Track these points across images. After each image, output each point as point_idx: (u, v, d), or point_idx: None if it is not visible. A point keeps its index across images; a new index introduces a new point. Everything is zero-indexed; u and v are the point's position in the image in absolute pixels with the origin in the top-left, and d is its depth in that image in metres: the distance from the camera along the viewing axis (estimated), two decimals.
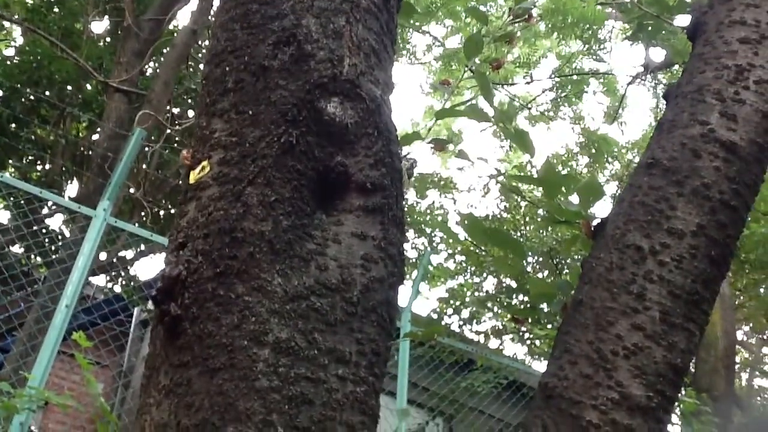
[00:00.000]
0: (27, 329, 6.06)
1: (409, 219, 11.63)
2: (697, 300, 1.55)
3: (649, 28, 6.35)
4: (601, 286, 1.60)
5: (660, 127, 1.70)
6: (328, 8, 1.56)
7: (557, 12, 9.06)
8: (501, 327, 11.05)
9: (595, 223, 1.73)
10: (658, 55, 12.39)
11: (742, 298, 12.83)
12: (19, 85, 9.57)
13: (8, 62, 10.15)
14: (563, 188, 1.75)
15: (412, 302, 6.60)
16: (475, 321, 11.35)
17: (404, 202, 1.61)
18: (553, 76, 10.48)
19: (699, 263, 1.55)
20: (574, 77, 10.12)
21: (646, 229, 1.59)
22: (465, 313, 11.34)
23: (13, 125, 10.29)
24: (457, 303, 11.45)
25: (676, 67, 12.69)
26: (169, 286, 1.39)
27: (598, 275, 1.62)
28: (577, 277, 1.72)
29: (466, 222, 1.99)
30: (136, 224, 8.25)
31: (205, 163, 1.49)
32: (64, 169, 10.77)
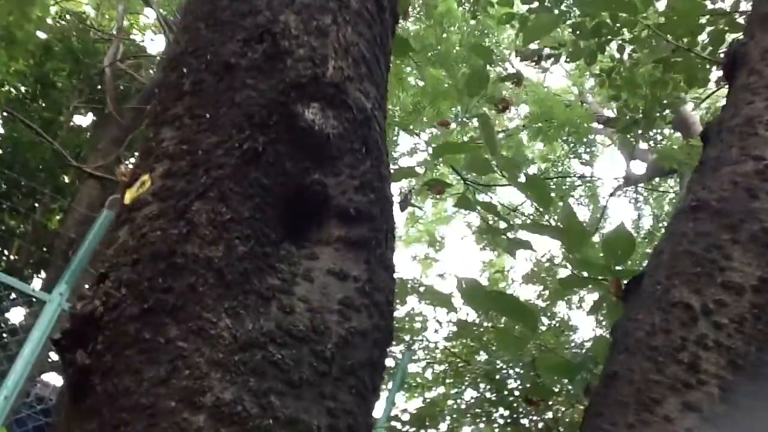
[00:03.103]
0: None
1: None
2: (765, 373, 1.22)
3: (639, 131, 6.27)
4: (641, 354, 1.27)
5: (702, 166, 1.43)
6: (311, 5, 1.30)
7: (543, 116, 9.08)
8: None
9: (626, 281, 1.42)
10: (639, 167, 12.49)
11: None
12: None
13: None
14: (586, 242, 1.45)
15: (389, 410, 6.10)
16: None
17: (395, 241, 1.29)
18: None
19: (765, 326, 1.23)
20: (561, 180, 10.04)
21: (695, 283, 1.28)
22: (443, 426, 10.69)
23: None
24: (436, 414, 10.81)
25: (657, 179, 12.78)
26: (79, 328, 1.04)
27: (636, 341, 1.29)
28: (605, 348, 1.38)
29: (464, 286, 1.66)
30: None
31: (145, 177, 1.17)
32: (31, 260, 10.33)
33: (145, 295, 1.03)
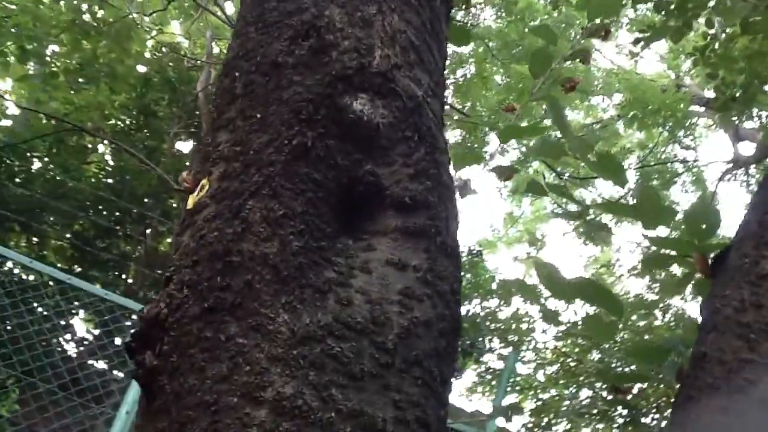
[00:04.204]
0: None
1: (492, 326, 11.03)
2: None
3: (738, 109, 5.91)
4: (731, 332, 1.17)
5: None
6: None
7: (637, 102, 8.68)
8: None
9: (713, 255, 1.32)
10: (747, 149, 11.75)
11: None
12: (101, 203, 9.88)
13: (93, 179, 10.56)
14: (666, 220, 1.36)
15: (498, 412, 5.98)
16: None
17: (458, 228, 1.26)
18: (635, 167, 9.98)
19: None
20: (662, 167, 9.56)
21: None
22: (560, 428, 10.42)
23: (98, 240, 10.56)
24: (551, 416, 10.56)
25: None
26: (147, 331, 1.07)
27: (725, 319, 1.20)
28: (694, 329, 1.29)
29: (543, 274, 1.60)
30: None
31: (204, 181, 1.20)
32: (146, 282, 10.89)
33: (205, 294, 1.04)
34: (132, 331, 1.08)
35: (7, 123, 11.32)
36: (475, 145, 10.10)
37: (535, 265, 1.55)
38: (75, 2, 9.93)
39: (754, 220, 1.26)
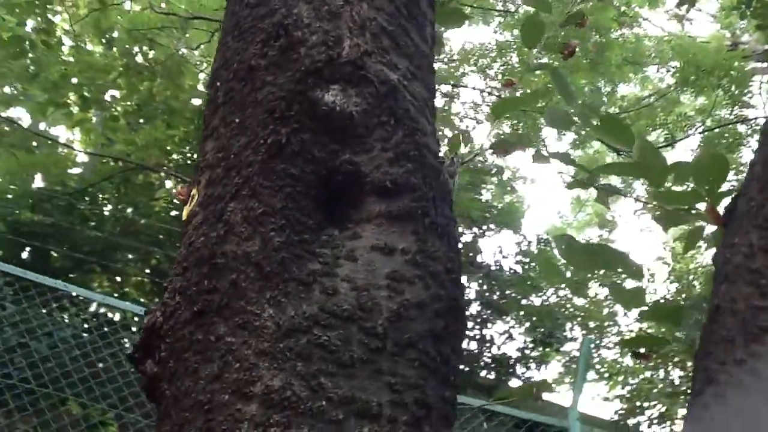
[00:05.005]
0: None
1: (569, 313, 10.76)
2: None
3: None
4: (742, 280, 1.12)
5: None
6: None
7: (690, 66, 8.32)
8: None
9: (724, 205, 1.26)
10: None
11: None
12: None
13: (162, 213, 10.90)
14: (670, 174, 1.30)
15: (577, 399, 5.84)
16: (669, 421, 10.04)
17: (450, 208, 1.24)
18: (698, 132, 9.54)
19: None
20: (723, 129, 9.12)
21: None
22: (654, 413, 10.09)
23: None
24: (642, 400, 10.24)
25: None
26: (147, 340, 1.10)
27: (735, 267, 1.14)
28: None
29: (562, 245, 1.56)
30: None
31: (194, 191, 1.23)
32: None
33: (194, 298, 1.07)
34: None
35: (78, 170, 11.85)
36: (531, 133, 9.94)
37: (553, 238, 1.51)
38: (126, 46, 10.33)
39: (760, 162, 1.20)
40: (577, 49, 1.84)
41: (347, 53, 1.21)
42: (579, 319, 10.53)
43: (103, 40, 10.91)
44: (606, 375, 11.88)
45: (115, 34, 10.44)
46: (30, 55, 8.58)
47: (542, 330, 9.03)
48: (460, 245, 1.27)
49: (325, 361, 1.00)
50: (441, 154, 1.30)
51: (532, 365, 9.35)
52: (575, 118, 1.65)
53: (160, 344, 1.08)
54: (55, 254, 9.28)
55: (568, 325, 10.01)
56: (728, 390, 1.08)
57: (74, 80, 10.24)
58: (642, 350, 1.80)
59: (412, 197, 1.17)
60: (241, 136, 1.18)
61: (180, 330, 1.06)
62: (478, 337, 9.23)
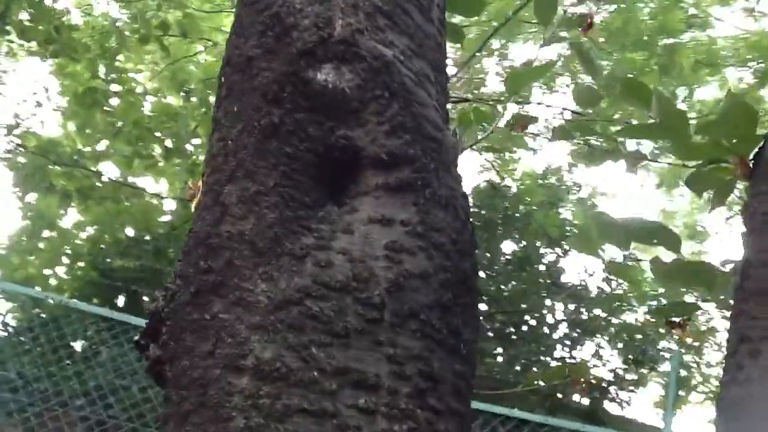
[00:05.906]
0: None
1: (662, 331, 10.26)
2: None
3: None
4: None
5: None
6: None
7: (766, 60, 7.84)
8: None
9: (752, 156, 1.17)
10: None
11: None
12: None
13: None
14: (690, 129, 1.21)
15: (670, 421, 5.49)
16: None
17: (456, 180, 1.21)
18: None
19: None
20: None
21: None
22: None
23: None
24: None
25: None
26: (152, 325, 1.11)
27: (762, 215, 1.05)
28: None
29: (597, 224, 1.49)
30: None
31: (199, 182, 1.25)
32: None
33: (192, 280, 1.07)
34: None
35: (167, 218, 12.37)
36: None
37: (590, 216, 1.44)
38: (208, 91, 10.78)
39: None
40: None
41: (339, 32, 1.21)
42: (674, 336, 10.01)
43: (182, 93, 11.42)
44: (711, 395, 11.22)
45: (192, 85, 10.91)
46: (106, 108, 9.04)
47: (635, 348, 8.64)
48: (471, 218, 1.22)
49: (317, 332, 0.98)
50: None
51: (628, 386, 8.93)
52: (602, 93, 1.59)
53: (161, 327, 1.09)
54: (146, 298, 9.65)
55: (663, 343, 9.54)
56: (762, 346, 0.98)
57: (157, 133, 10.73)
58: (677, 319, 1.68)
59: (411, 168, 1.15)
60: (238, 123, 1.19)
61: (179, 312, 1.07)
62: (568, 359, 8.92)
